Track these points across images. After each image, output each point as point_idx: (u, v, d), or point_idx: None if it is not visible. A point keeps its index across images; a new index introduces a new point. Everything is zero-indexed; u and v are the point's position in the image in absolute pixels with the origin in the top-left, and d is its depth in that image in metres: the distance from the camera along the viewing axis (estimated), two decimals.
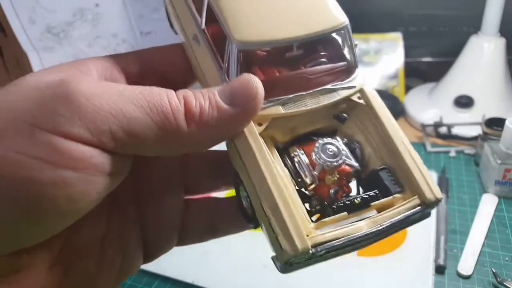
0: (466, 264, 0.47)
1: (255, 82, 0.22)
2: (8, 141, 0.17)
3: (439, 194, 0.24)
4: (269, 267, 0.47)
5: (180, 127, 0.21)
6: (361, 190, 0.26)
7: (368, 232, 0.23)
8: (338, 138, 0.26)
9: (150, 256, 0.29)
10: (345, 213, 0.23)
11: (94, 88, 0.19)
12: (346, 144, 0.26)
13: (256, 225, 0.25)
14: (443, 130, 0.72)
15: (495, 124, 0.62)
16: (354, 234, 0.23)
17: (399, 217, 0.23)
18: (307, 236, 0.21)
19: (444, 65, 0.81)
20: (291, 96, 0.24)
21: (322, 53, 0.27)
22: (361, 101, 0.26)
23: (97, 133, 0.19)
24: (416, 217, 0.24)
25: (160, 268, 0.48)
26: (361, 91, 0.26)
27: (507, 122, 0.56)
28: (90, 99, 0.19)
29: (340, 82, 0.26)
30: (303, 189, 0.25)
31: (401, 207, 0.24)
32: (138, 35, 0.93)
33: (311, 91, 0.25)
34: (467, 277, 0.45)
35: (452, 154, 0.68)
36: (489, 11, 0.71)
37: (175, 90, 0.22)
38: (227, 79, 0.24)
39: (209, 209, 0.30)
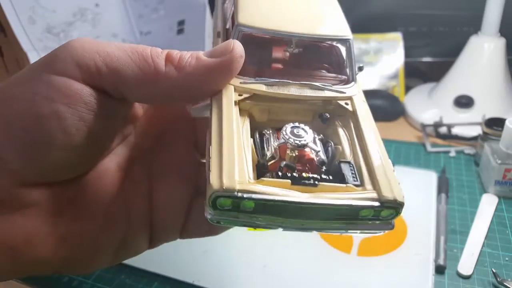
0: (466, 264, 0.47)
1: (235, 42, 0.25)
2: (24, 85, 0.22)
3: (400, 197, 0.22)
4: (269, 267, 0.47)
5: (159, 68, 0.24)
6: None
7: (301, 201, 0.21)
8: (312, 131, 0.26)
9: (153, 242, 0.30)
10: (288, 181, 0.22)
11: (89, 40, 0.24)
12: (321, 140, 0.27)
13: None
14: (443, 130, 0.72)
15: (495, 124, 0.62)
16: (285, 197, 0.21)
17: (343, 201, 0.22)
18: (239, 182, 0.21)
19: (444, 65, 0.81)
20: (277, 80, 0.26)
21: (321, 64, 0.28)
22: (349, 107, 0.27)
23: (84, 68, 0.23)
24: (371, 212, 0.22)
25: (160, 268, 0.48)
26: (351, 99, 0.27)
27: (507, 122, 0.56)
28: (83, 45, 0.23)
29: (330, 84, 0.27)
30: (262, 162, 0.25)
31: (352, 195, 0.22)
32: (138, 35, 0.93)
33: (298, 82, 0.26)
34: (467, 277, 0.45)
35: (452, 154, 0.68)
36: (489, 11, 0.71)
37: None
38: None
39: None
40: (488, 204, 0.56)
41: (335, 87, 0.27)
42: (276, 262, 0.48)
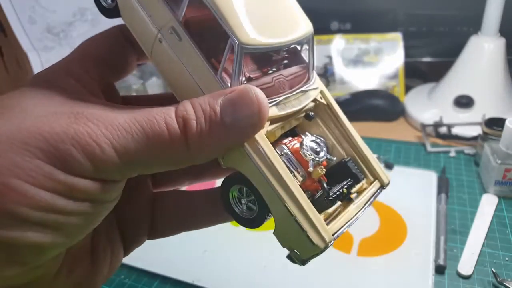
0: (466, 264, 0.47)
1: (257, 94, 0.22)
2: (33, 180, 0.19)
3: (389, 177, 0.30)
4: (269, 267, 0.47)
5: (180, 152, 0.22)
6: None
7: (358, 215, 0.28)
8: (309, 134, 0.28)
9: (126, 250, 0.30)
10: (339, 202, 0.27)
11: (100, 131, 0.20)
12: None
13: (256, 225, 0.26)
14: (443, 130, 0.73)
15: (495, 124, 0.62)
16: (352, 219, 0.27)
17: (371, 199, 0.28)
18: (327, 234, 0.25)
19: (444, 65, 0.81)
20: (281, 98, 0.25)
21: (292, 56, 0.28)
22: (323, 100, 0.29)
23: (103, 170, 0.21)
24: (377, 195, 0.29)
25: (160, 268, 0.48)
26: (321, 92, 0.29)
27: (507, 122, 0.56)
28: (99, 143, 0.20)
29: (308, 85, 0.28)
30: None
31: (370, 191, 0.29)
32: None
33: (294, 93, 0.26)
34: (467, 277, 0.45)
35: (452, 154, 0.68)
36: (489, 11, 0.71)
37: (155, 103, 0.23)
38: (224, 82, 0.23)
39: (178, 202, 0.31)
40: (488, 204, 0.56)
41: (311, 85, 0.28)
42: (276, 262, 0.48)
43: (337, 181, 0.28)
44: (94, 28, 0.89)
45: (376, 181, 0.29)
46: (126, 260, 0.49)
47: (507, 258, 0.48)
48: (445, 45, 0.88)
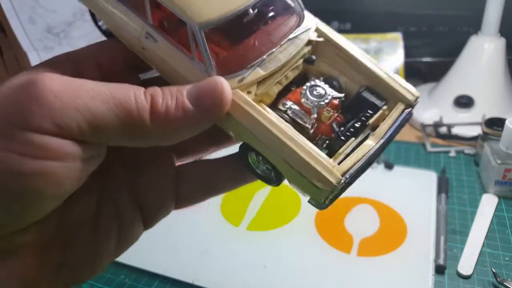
0: (466, 264, 0.47)
1: (222, 86, 0.23)
2: None
3: (416, 92, 0.27)
4: (269, 267, 0.47)
5: (144, 123, 0.22)
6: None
7: (378, 146, 0.25)
8: (315, 79, 0.28)
9: (149, 222, 0.30)
10: (353, 138, 0.26)
11: (64, 86, 0.21)
12: (324, 81, 0.28)
13: (278, 183, 0.27)
14: (443, 130, 0.72)
15: (495, 124, 0.62)
16: (369, 152, 0.25)
17: (394, 125, 0.27)
18: (337, 171, 0.24)
19: (444, 65, 0.81)
20: (264, 56, 0.25)
21: (269, 9, 0.28)
22: (321, 39, 0.28)
23: (65, 128, 0.21)
24: (406, 118, 0.27)
25: (160, 268, 0.48)
26: (317, 30, 0.28)
27: (507, 122, 0.56)
28: (59, 97, 0.20)
29: (297, 29, 0.27)
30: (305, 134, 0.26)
31: (393, 116, 0.27)
32: None
33: (278, 46, 0.26)
34: (467, 277, 0.45)
35: (452, 154, 0.68)
36: (489, 11, 0.71)
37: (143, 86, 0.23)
38: (202, 66, 0.24)
39: (203, 169, 0.31)
40: (488, 204, 0.56)
41: (301, 28, 0.28)
42: (276, 262, 0.48)
43: (357, 116, 0.27)
44: (94, 28, 0.89)
45: (399, 103, 0.27)
46: (126, 260, 0.49)
47: (507, 258, 0.48)
48: (445, 45, 0.87)
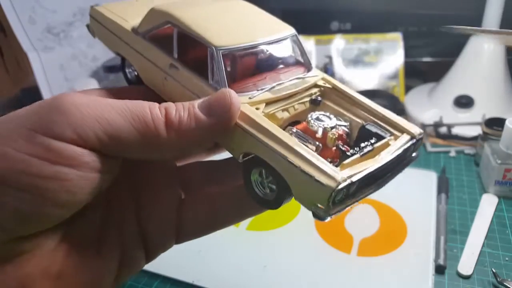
0: (466, 264, 0.47)
1: (231, 95, 0.25)
2: (13, 143, 0.21)
3: (419, 129, 0.29)
4: (269, 267, 0.47)
5: (160, 134, 0.23)
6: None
7: (385, 162, 0.26)
8: (324, 112, 0.30)
9: (150, 254, 0.30)
10: (358, 155, 0.27)
11: (85, 100, 0.23)
12: (329, 116, 0.30)
13: (276, 205, 0.27)
14: (443, 130, 0.73)
15: (495, 124, 0.62)
16: (377, 164, 0.25)
17: (401, 148, 0.27)
18: (337, 171, 0.24)
19: (444, 65, 0.81)
20: (274, 84, 0.29)
21: (282, 58, 0.31)
22: (327, 85, 0.31)
23: (84, 137, 0.22)
24: (412, 147, 0.29)
25: (160, 268, 0.48)
26: (323, 78, 0.31)
27: (507, 122, 0.56)
28: (80, 108, 0.22)
29: (305, 74, 0.31)
30: None
31: (398, 142, 0.28)
32: None
33: (288, 80, 0.29)
34: (467, 277, 0.45)
35: (452, 154, 0.68)
36: (489, 11, 0.71)
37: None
38: (217, 86, 0.27)
39: (206, 202, 0.31)
40: (488, 204, 0.56)
41: (308, 74, 0.31)
42: (276, 262, 0.48)
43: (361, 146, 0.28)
44: None
45: (404, 134, 0.29)
46: None
47: (507, 258, 0.48)
48: (445, 45, 0.88)
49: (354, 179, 0.24)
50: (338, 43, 0.87)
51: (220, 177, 0.32)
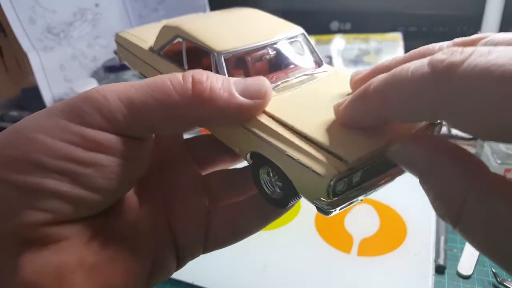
0: (466, 264, 0.47)
1: (267, 84, 0.25)
2: (50, 132, 0.23)
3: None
4: (269, 267, 0.47)
5: (186, 101, 0.24)
6: None
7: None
8: None
9: (180, 260, 0.30)
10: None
11: (106, 87, 0.24)
12: None
13: (284, 204, 0.27)
14: (443, 130, 0.72)
15: None
16: (378, 148, 0.24)
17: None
18: (336, 161, 0.23)
19: None
20: (279, 83, 0.29)
21: (289, 56, 0.31)
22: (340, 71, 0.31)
23: (112, 120, 0.23)
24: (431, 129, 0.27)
25: None
26: (335, 72, 0.31)
27: None
28: (102, 93, 0.23)
29: (314, 70, 0.31)
30: None
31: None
32: None
33: (294, 77, 0.29)
34: (467, 277, 0.45)
35: None
36: (489, 11, 0.71)
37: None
38: None
39: (231, 212, 0.31)
40: None
41: (317, 70, 0.31)
42: (276, 262, 0.48)
43: None
44: (94, 28, 0.89)
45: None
46: None
47: None
48: None
49: (355, 167, 0.23)
50: (338, 43, 0.88)
51: (243, 184, 0.32)
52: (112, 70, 0.88)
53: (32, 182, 0.22)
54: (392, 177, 0.26)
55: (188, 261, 0.31)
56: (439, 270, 0.46)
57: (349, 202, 0.24)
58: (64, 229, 0.24)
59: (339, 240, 0.50)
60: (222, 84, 0.24)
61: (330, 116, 0.26)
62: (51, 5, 0.81)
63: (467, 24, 0.83)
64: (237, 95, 0.24)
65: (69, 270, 0.23)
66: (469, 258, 0.47)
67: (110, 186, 0.24)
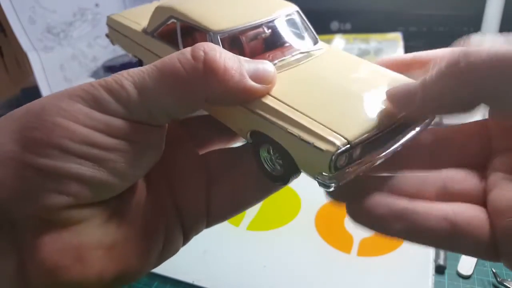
0: (466, 264, 0.47)
1: (274, 69, 0.26)
2: (74, 118, 0.23)
3: None
4: (269, 267, 0.47)
5: (196, 80, 0.24)
6: None
7: (391, 129, 0.25)
8: None
9: (186, 235, 0.31)
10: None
11: (124, 77, 0.24)
12: None
13: (285, 180, 0.27)
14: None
15: None
16: (383, 130, 0.25)
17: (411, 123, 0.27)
18: (337, 134, 0.23)
19: None
20: (276, 61, 0.29)
21: (284, 35, 0.31)
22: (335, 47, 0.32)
23: (132, 109, 0.24)
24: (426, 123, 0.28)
25: (160, 268, 0.47)
26: (331, 49, 0.31)
27: None
28: (123, 85, 0.24)
29: (310, 48, 0.31)
30: None
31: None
32: None
33: (290, 55, 0.29)
34: (467, 277, 0.45)
35: None
36: (489, 11, 0.71)
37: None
38: None
39: (230, 184, 0.32)
40: None
41: (313, 48, 0.31)
42: (276, 262, 0.48)
43: None
44: (94, 28, 0.89)
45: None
46: None
47: None
48: (445, 45, 0.87)
49: (355, 142, 0.23)
50: (338, 43, 0.88)
51: (239, 160, 0.33)
52: (112, 70, 0.88)
53: (56, 167, 0.22)
54: (391, 152, 0.26)
55: (193, 236, 0.32)
56: (439, 270, 0.46)
57: (352, 175, 0.24)
58: (83, 212, 0.24)
59: (339, 240, 0.50)
60: (236, 65, 0.24)
61: (329, 93, 0.26)
62: (51, 5, 0.81)
63: (467, 24, 0.83)
64: (247, 78, 0.25)
65: (89, 250, 0.24)
66: (469, 258, 0.47)
67: (130, 171, 0.25)
